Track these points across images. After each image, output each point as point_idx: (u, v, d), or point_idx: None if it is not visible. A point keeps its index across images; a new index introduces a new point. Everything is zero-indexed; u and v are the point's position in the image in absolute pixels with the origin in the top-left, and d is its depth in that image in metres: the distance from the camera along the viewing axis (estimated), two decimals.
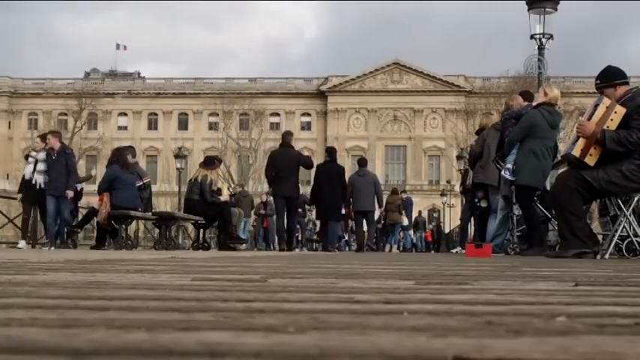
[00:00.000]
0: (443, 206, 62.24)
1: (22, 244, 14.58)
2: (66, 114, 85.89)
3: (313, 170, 16.71)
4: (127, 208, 13.86)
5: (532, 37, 17.60)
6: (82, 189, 20.48)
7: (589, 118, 7.78)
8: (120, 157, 14.51)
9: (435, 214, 73.88)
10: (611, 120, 7.64)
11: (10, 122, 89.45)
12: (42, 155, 14.86)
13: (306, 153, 20.25)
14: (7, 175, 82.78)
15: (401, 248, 26.93)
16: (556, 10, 17.47)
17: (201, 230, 16.34)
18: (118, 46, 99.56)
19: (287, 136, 16.11)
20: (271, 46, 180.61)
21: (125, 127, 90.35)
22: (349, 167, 64.19)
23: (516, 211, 10.89)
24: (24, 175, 15.87)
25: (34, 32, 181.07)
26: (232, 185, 66.16)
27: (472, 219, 15.71)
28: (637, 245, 8.19)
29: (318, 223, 22.54)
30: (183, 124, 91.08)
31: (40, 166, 14.85)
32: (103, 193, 13.89)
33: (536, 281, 2.87)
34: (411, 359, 0.95)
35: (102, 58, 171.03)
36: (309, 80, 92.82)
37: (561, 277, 3.29)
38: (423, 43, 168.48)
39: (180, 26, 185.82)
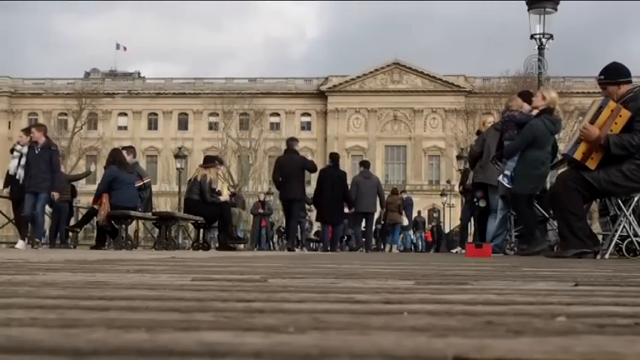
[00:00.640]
0: (443, 206, 62.24)
1: (20, 244, 13.85)
2: (66, 114, 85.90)
3: (316, 173, 17.34)
4: (126, 208, 13.85)
5: (532, 37, 17.60)
6: (73, 187, 20.49)
7: (592, 121, 7.70)
8: (117, 157, 14.48)
9: (435, 214, 73.87)
10: (615, 123, 7.59)
11: (10, 122, 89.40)
12: (25, 149, 14.09)
13: (306, 153, 20.47)
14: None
15: (401, 248, 26.88)
16: (556, 10, 17.47)
17: (201, 230, 16.34)
18: (118, 46, 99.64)
19: (291, 142, 16.72)
20: (272, 46, 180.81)
21: (125, 127, 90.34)
22: (349, 167, 64.25)
23: (514, 211, 10.89)
24: (8, 170, 15.06)
25: (35, 32, 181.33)
26: (232, 184, 66.12)
27: (472, 219, 15.71)
28: (637, 245, 8.19)
29: (315, 223, 22.84)
30: (183, 124, 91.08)
31: (23, 161, 14.11)
32: (102, 194, 13.87)
33: (536, 281, 2.87)
34: (411, 359, 0.95)
35: (102, 58, 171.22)
36: (309, 80, 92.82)
37: (561, 277, 3.29)
38: (423, 43, 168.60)
39: (181, 26, 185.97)
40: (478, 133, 13.54)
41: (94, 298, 1.80)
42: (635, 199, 8.10)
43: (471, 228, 16.56)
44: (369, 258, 8.39)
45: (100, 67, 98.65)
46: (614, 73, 8.00)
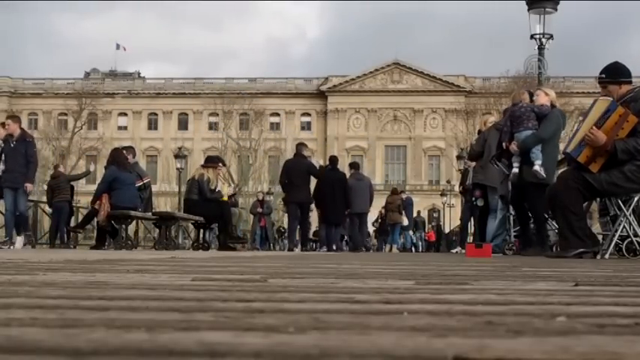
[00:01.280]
0: (443, 206, 62.26)
1: (18, 241, 13.25)
2: (66, 114, 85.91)
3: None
4: (127, 208, 13.86)
5: (532, 37, 17.60)
6: (72, 187, 20.47)
7: (598, 125, 7.63)
8: (117, 157, 14.47)
9: (435, 214, 73.89)
10: (622, 129, 7.56)
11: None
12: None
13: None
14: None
15: (401, 248, 26.88)
16: (556, 10, 17.48)
17: (201, 230, 16.35)
18: (118, 47, 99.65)
19: (300, 147, 17.46)
20: (273, 46, 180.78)
21: (125, 127, 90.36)
22: (349, 169, 64.13)
23: (513, 211, 10.89)
24: None
25: (35, 32, 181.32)
26: (232, 185, 66.12)
27: (472, 219, 15.72)
28: (637, 245, 8.19)
29: (314, 224, 23.10)
30: (183, 124, 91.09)
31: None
32: (102, 194, 13.87)
33: (536, 281, 2.87)
34: (411, 359, 0.95)
35: (102, 58, 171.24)
36: (309, 80, 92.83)
37: (561, 277, 3.29)
38: (423, 43, 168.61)
39: (181, 26, 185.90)
40: (479, 132, 13.54)
41: (94, 298, 1.80)
42: (635, 199, 8.10)
43: (471, 228, 16.57)
44: (369, 258, 8.39)
45: (100, 67, 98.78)
46: (615, 73, 8.00)
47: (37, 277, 2.74)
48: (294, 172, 16.62)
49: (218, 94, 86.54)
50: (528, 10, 17.46)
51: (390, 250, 25.20)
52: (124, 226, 14.18)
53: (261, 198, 30.56)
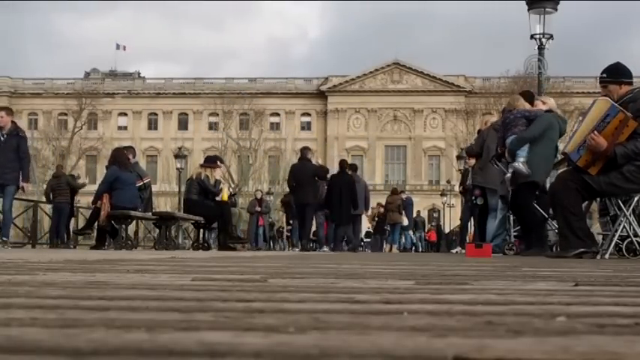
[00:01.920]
0: (443, 206, 62.27)
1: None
2: (66, 114, 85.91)
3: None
4: (127, 208, 13.85)
5: (532, 37, 17.60)
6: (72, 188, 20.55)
7: (598, 129, 7.62)
8: (119, 157, 14.46)
9: (435, 214, 73.90)
10: (622, 134, 7.58)
11: None
12: None
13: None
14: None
15: (401, 248, 26.89)
16: (556, 10, 17.48)
17: (201, 230, 16.35)
18: (118, 46, 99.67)
19: (305, 150, 18.33)
20: (274, 46, 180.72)
21: (125, 127, 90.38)
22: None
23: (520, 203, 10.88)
24: None
25: (35, 32, 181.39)
26: (232, 185, 66.06)
27: (472, 219, 15.72)
28: (637, 245, 8.19)
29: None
30: (183, 124, 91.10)
31: None
32: (103, 194, 13.86)
33: (536, 281, 2.87)
34: (411, 359, 0.95)
35: (102, 58, 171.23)
36: (309, 80, 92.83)
37: (561, 277, 3.29)
38: (423, 43, 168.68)
39: (183, 26, 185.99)
40: (479, 132, 13.55)
41: (94, 298, 1.80)
42: (635, 199, 8.10)
43: (471, 228, 16.57)
44: (369, 258, 8.39)
45: (100, 67, 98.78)
46: (616, 73, 8.03)
47: (37, 277, 2.74)
48: (301, 175, 17.43)
49: (218, 94, 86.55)
50: (528, 10, 17.46)
51: (390, 250, 25.20)
52: (123, 226, 14.18)
53: (259, 197, 29.93)
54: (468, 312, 1.49)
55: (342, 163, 19.46)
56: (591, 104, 8.11)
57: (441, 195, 61.03)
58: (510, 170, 10.19)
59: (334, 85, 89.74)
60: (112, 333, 1.12)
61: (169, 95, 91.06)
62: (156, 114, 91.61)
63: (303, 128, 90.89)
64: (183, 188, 22.69)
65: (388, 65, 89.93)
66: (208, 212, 15.43)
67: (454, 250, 21.42)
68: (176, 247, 17.28)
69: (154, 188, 21.56)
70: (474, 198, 12.53)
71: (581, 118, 8.42)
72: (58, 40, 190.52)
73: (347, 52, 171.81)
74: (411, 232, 31.51)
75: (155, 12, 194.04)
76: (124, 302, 1.67)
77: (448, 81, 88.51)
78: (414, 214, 32.83)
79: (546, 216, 10.36)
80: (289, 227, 28.66)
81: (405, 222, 26.36)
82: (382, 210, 28.07)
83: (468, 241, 14.91)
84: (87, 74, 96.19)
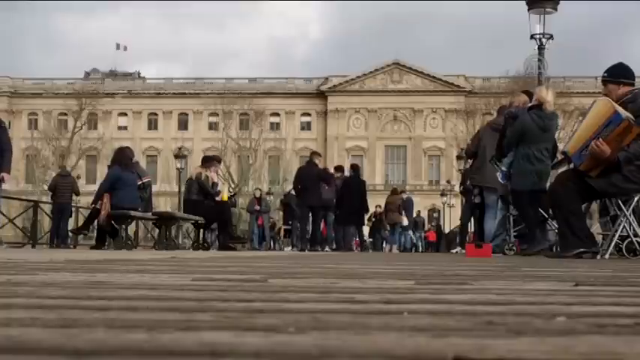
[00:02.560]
0: (443, 206, 62.25)
1: None
2: (66, 114, 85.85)
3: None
4: (127, 208, 13.84)
5: (532, 37, 17.62)
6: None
7: (603, 135, 7.60)
8: (121, 157, 14.45)
9: (435, 214, 73.88)
10: (625, 140, 7.59)
11: (10, 122, 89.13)
12: None
13: (306, 153, 21.77)
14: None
15: (401, 248, 26.88)
16: (556, 10, 17.49)
17: (201, 230, 16.34)
18: (118, 47, 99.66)
19: (313, 155, 19.50)
20: (275, 47, 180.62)
21: (125, 127, 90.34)
22: (348, 168, 64.08)
23: (513, 211, 10.89)
24: None
25: (35, 32, 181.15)
26: (232, 185, 66.08)
27: (472, 219, 15.72)
28: (637, 245, 8.19)
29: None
30: (183, 124, 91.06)
31: None
32: (104, 194, 13.85)
33: (536, 281, 2.87)
34: (411, 359, 0.95)
35: (102, 58, 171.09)
36: (309, 80, 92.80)
37: (561, 277, 3.30)
38: (423, 43, 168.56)
39: (184, 26, 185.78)
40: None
41: (94, 298, 1.80)
42: (635, 199, 8.11)
43: (471, 228, 16.57)
44: (369, 258, 8.39)
45: (100, 67, 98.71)
46: (617, 73, 8.07)
47: (37, 277, 2.74)
48: (307, 178, 18.26)
49: (218, 94, 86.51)
50: (528, 10, 17.47)
51: (390, 250, 25.20)
52: (124, 226, 14.17)
53: (258, 195, 29.28)
54: (468, 312, 1.49)
55: (355, 167, 20.89)
56: (591, 104, 8.11)
57: (441, 195, 61.02)
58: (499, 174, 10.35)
59: (334, 85, 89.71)
60: (112, 333, 1.12)
61: (169, 95, 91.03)
62: (156, 114, 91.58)
63: (303, 128, 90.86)
64: (183, 188, 22.71)
65: (388, 65, 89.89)
66: (208, 212, 15.42)
67: (454, 250, 21.43)
68: (176, 247, 17.28)
69: (154, 188, 21.56)
70: (473, 197, 12.55)
71: (581, 118, 8.43)
72: (58, 40, 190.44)
73: (347, 52, 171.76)
74: (410, 232, 31.51)
75: (155, 12, 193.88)
76: (124, 302, 1.67)
77: (448, 81, 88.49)
78: (415, 214, 32.85)
79: (546, 216, 10.36)
80: (288, 227, 28.60)
81: (405, 222, 26.36)
82: (378, 210, 28.09)
83: (468, 241, 14.91)
84: (87, 74, 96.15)
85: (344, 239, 19.67)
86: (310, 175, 18.34)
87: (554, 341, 1.08)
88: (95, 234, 15.34)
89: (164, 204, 57.95)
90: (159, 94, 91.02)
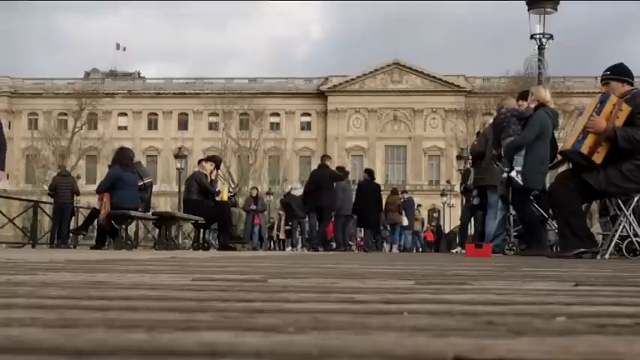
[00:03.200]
0: (443, 206, 62.24)
1: None
2: (66, 114, 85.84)
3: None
4: (127, 208, 13.84)
5: (532, 37, 17.62)
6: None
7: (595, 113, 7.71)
8: (122, 157, 14.44)
9: (435, 214, 73.87)
10: (617, 118, 7.62)
11: (10, 122, 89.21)
12: None
13: (306, 153, 22.08)
14: (7, 175, 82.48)
15: (401, 248, 26.88)
16: (556, 10, 17.49)
17: (201, 230, 16.34)
18: (118, 47, 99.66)
19: (324, 158, 20.26)
20: (276, 47, 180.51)
21: (125, 127, 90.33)
22: (350, 168, 64.21)
23: (513, 211, 10.89)
24: None
25: (35, 32, 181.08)
26: (232, 185, 66.02)
27: (472, 219, 15.72)
28: (637, 245, 8.19)
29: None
30: (183, 124, 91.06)
31: None
32: (103, 192, 13.85)
33: (536, 281, 2.87)
34: (411, 359, 0.95)
35: (102, 58, 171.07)
36: (309, 80, 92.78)
37: (561, 277, 3.30)
38: (423, 43, 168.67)
39: (184, 26, 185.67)
40: (478, 134, 13.56)
41: (94, 298, 1.80)
42: (635, 199, 8.11)
43: (471, 228, 16.57)
44: (369, 258, 8.39)
45: (100, 67, 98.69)
46: (620, 72, 8.12)
47: (37, 277, 2.74)
48: (320, 180, 18.91)
49: (218, 94, 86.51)
50: (528, 10, 17.47)
51: (390, 250, 25.20)
52: (124, 226, 14.17)
53: (254, 194, 28.84)
54: (468, 312, 1.49)
55: (370, 171, 21.81)
56: (590, 104, 8.16)
57: (441, 195, 61.01)
58: (505, 176, 10.25)
59: (334, 85, 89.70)
60: (112, 333, 1.12)
61: (169, 95, 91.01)
62: (156, 114, 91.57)
63: (303, 128, 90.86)
64: (183, 188, 22.71)
65: (388, 65, 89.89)
66: (208, 212, 15.43)
67: (454, 250, 21.42)
68: (176, 247, 17.28)
69: (154, 188, 21.56)
70: (472, 198, 12.54)
71: (580, 117, 8.46)
72: (58, 40, 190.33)
73: (347, 52, 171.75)
74: (418, 232, 31.55)
75: (156, 12, 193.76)
76: (124, 302, 1.67)
77: (448, 81, 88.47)
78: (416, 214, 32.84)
79: (546, 216, 10.36)
80: (288, 228, 28.57)
81: (405, 222, 26.35)
82: None
83: (468, 240, 14.91)
84: (87, 74, 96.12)
85: (364, 241, 21.12)
86: (323, 176, 19.03)
87: (554, 341, 1.08)
88: (95, 234, 15.34)
89: (164, 204, 57.95)
90: (159, 94, 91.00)
